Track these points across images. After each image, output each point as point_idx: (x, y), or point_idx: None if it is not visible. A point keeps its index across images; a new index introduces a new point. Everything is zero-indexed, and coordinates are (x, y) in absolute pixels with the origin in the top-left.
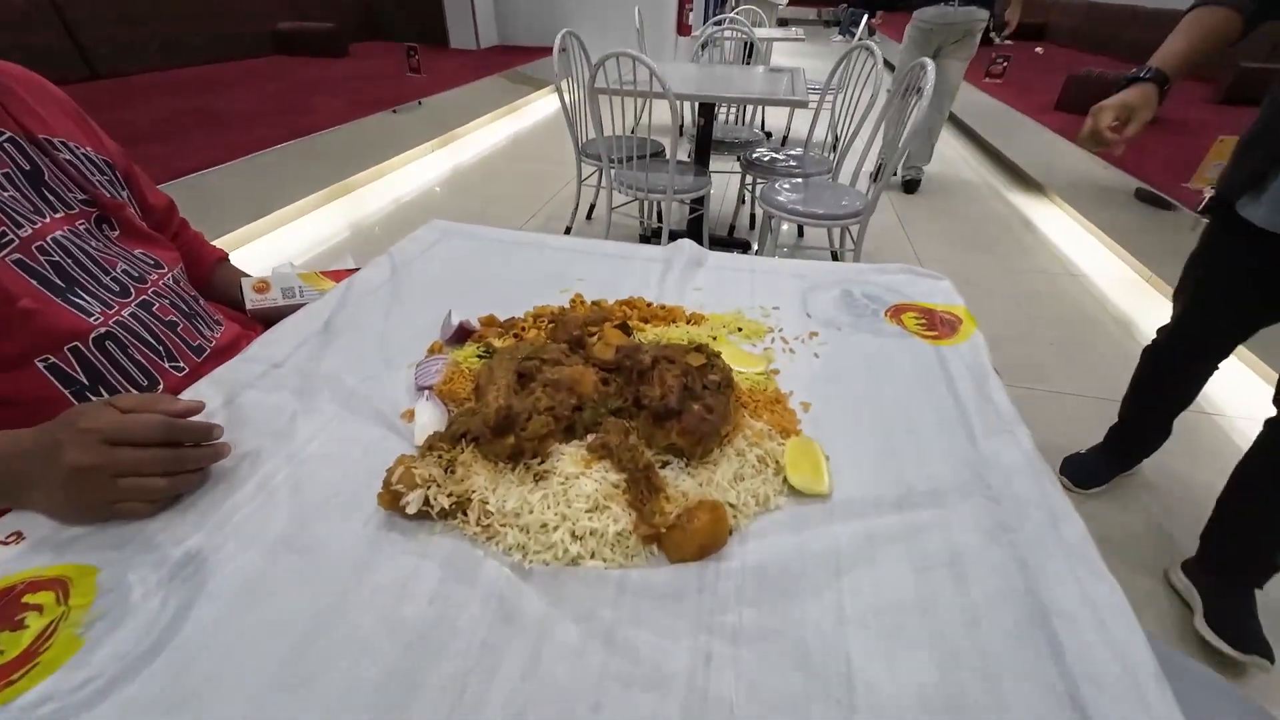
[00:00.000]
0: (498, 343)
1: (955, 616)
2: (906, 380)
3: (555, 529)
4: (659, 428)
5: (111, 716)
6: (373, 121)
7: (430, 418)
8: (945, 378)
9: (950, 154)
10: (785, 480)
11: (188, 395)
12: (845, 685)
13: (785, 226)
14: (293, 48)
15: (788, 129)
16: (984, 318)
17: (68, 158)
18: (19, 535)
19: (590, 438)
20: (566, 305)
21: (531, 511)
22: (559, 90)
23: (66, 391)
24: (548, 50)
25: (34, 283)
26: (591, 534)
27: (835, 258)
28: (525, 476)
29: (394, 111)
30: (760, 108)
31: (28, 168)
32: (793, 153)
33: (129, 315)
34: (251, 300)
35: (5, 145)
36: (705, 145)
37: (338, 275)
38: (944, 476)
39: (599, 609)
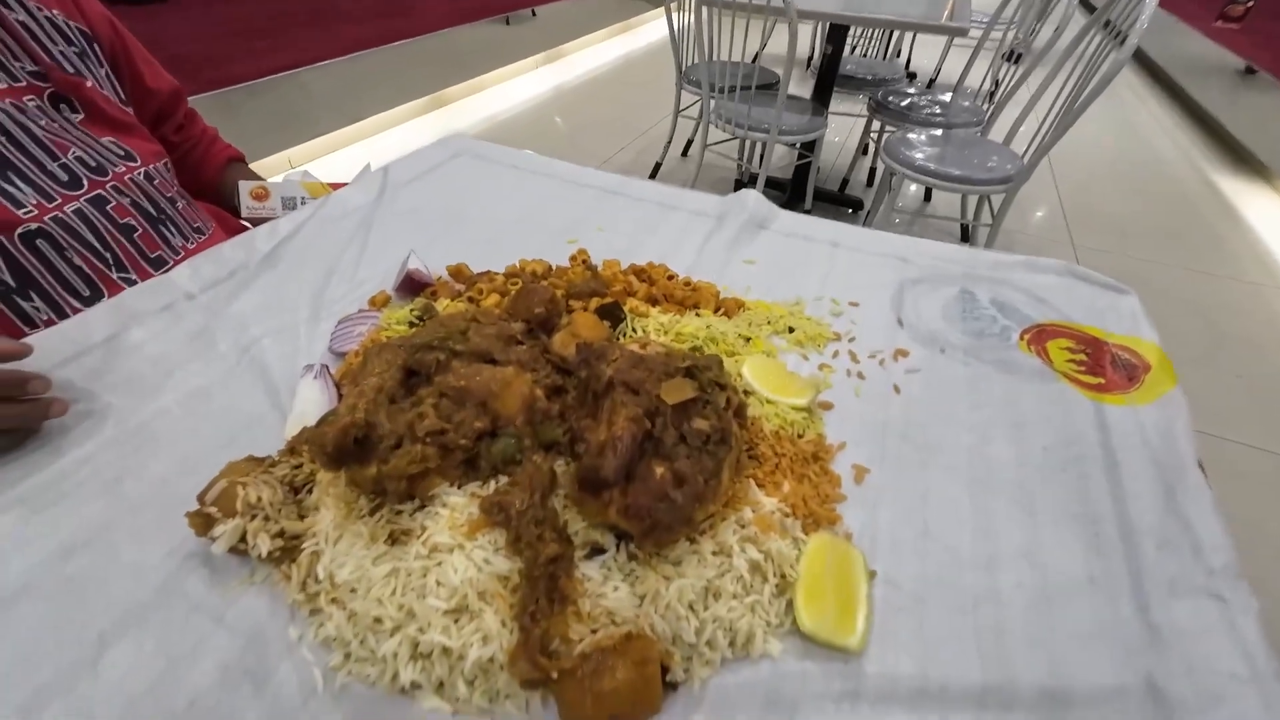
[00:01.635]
0: (443, 305)
1: None
2: (1040, 456)
3: (393, 632)
4: (592, 496)
5: None
6: (479, 30)
7: (311, 403)
8: (1106, 461)
9: (1143, 117)
10: (791, 609)
11: (72, 323)
12: None
13: (914, 188)
14: None
15: (937, 70)
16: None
17: (22, 19)
18: None
19: (496, 483)
20: (565, 263)
21: (369, 593)
22: (667, 8)
23: None
24: None
25: None
26: (444, 653)
27: (965, 234)
28: (380, 529)
29: (506, 22)
30: (907, 45)
31: None
32: (936, 97)
33: (72, 211)
34: (247, 207)
35: None
36: (829, 80)
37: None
38: (1078, 663)
39: None
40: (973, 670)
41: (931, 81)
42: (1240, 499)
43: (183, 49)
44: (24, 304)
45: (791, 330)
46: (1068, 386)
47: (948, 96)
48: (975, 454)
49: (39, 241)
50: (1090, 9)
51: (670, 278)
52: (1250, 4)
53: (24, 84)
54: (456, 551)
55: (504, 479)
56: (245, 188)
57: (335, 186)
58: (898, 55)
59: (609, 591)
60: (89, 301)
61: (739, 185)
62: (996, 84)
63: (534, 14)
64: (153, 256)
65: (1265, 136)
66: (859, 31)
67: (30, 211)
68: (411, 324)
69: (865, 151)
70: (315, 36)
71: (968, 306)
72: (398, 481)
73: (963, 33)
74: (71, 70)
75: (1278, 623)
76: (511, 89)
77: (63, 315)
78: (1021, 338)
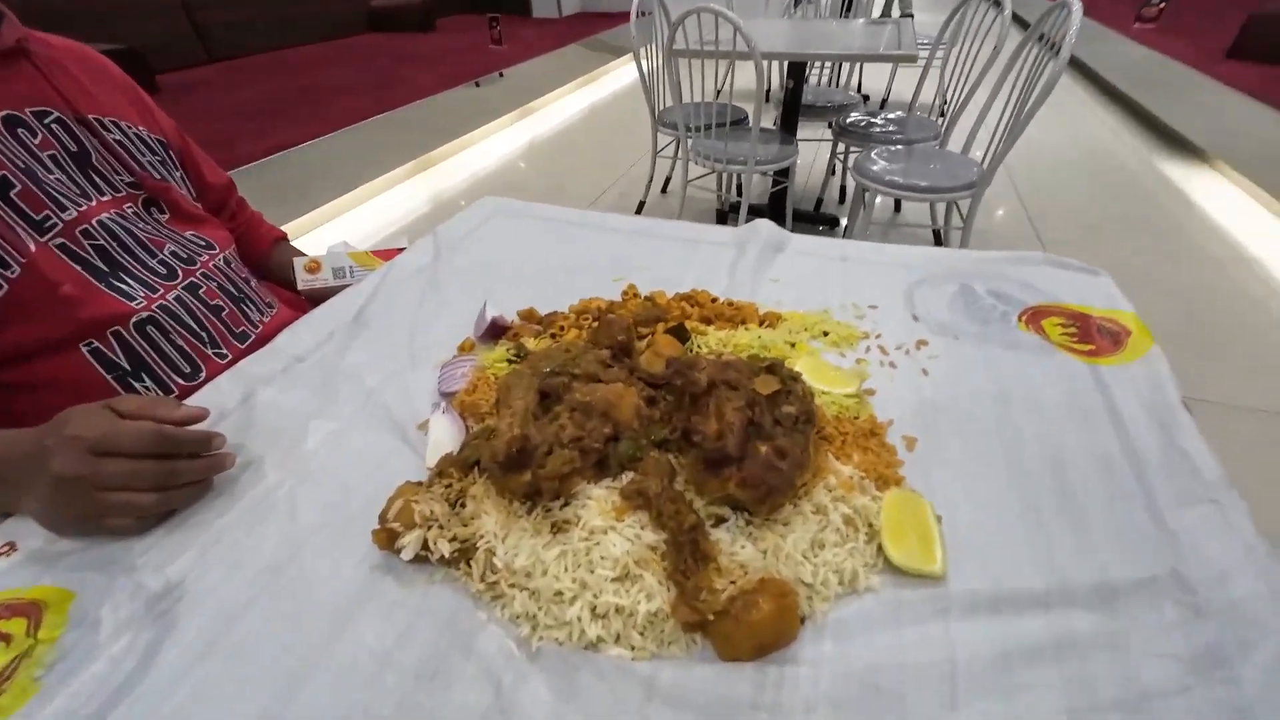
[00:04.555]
0: (531, 344)
1: None
2: (1054, 412)
3: (572, 600)
4: (712, 475)
5: None
6: (455, 95)
7: (445, 434)
8: (1110, 412)
9: (1087, 116)
10: (881, 551)
11: (207, 391)
12: None
13: (880, 201)
14: (385, 25)
15: (888, 90)
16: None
17: (117, 138)
18: (12, 546)
19: (626, 477)
20: (618, 298)
21: (545, 573)
22: (636, 56)
23: (109, 376)
24: (629, 16)
25: (77, 268)
26: (617, 612)
27: (938, 239)
28: (542, 523)
29: (476, 85)
30: (856, 69)
31: (74, 149)
32: (893, 116)
33: (174, 299)
34: (303, 281)
35: (52, 125)
36: (793, 111)
37: (389, 255)
38: (1115, 563)
39: (619, 717)
40: (1034, 575)
41: (884, 102)
42: (1239, 461)
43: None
44: (137, 385)
45: (826, 334)
46: (1066, 355)
47: (901, 114)
48: (1000, 418)
49: (149, 328)
50: (1024, 25)
51: (714, 300)
52: (1163, 4)
53: (124, 194)
54: (611, 532)
55: (629, 474)
56: (299, 263)
57: (377, 253)
58: (847, 80)
59: (738, 550)
60: (190, 378)
61: (720, 215)
62: (945, 100)
63: (501, 75)
64: (238, 332)
65: (1197, 123)
66: (812, 63)
67: (140, 303)
68: (509, 361)
69: (834, 172)
70: (306, 115)
71: (969, 299)
72: (552, 481)
73: (912, 59)
74: (158, 177)
75: None
76: (490, 146)
77: (168, 392)
78: (1020, 319)
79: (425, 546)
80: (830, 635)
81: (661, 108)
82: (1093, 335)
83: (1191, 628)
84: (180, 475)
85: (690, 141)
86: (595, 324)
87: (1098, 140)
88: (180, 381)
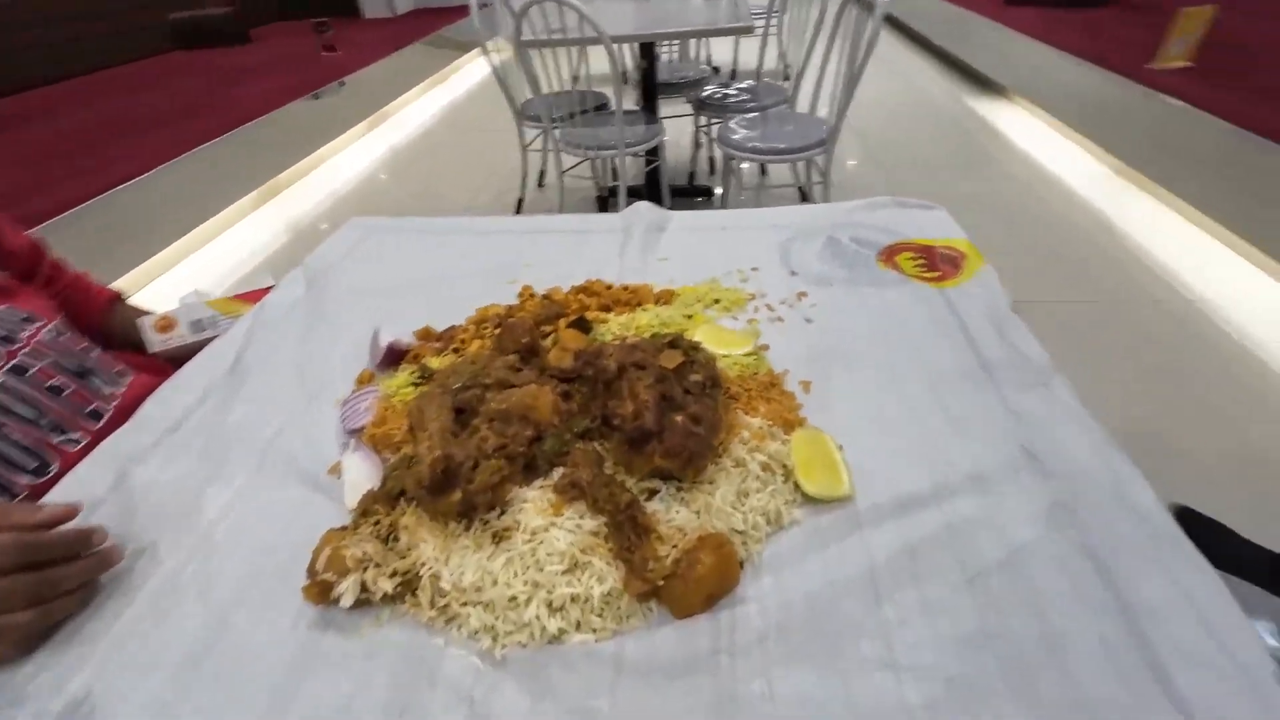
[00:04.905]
0: (435, 363)
1: (1030, 648)
2: (918, 336)
3: (527, 602)
4: (637, 453)
5: None
6: (293, 111)
7: (361, 473)
8: (960, 326)
9: (907, 67)
10: (797, 487)
11: (66, 484)
12: None
13: (747, 166)
14: (192, 40)
15: (735, 61)
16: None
17: None
18: None
19: (557, 473)
20: (515, 301)
21: (495, 583)
22: (485, 51)
23: None
24: (469, 9)
25: None
26: (573, 601)
27: (804, 195)
28: (482, 537)
29: (315, 97)
30: (703, 43)
31: None
32: (744, 85)
33: None
34: (156, 342)
35: None
36: (652, 90)
37: (255, 296)
38: (982, 452)
39: (593, 700)
40: (923, 476)
41: (734, 73)
42: (1057, 348)
43: None
44: None
45: (717, 301)
46: (919, 284)
47: (751, 83)
48: (876, 349)
49: None
50: None
51: (609, 288)
52: None
53: None
54: (552, 528)
55: (558, 470)
56: (147, 322)
57: (240, 296)
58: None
59: (674, 515)
60: (38, 473)
61: (601, 201)
62: (787, 64)
63: (342, 84)
64: (88, 411)
65: (995, 64)
66: (660, 42)
67: None
68: (415, 384)
69: (700, 145)
70: (119, 151)
71: (835, 249)
72: (485, 493)
73: (749, 30)
74: None
75: None
76: (344, 161)
77: (14, 494)
78: (879, 259)
79: (365, 589)
80: (767, 571)
81: (521, 100)
82: (937, 263)
83: (1043, 490)
84: (59, 584)
85: (557, 132)
86: (497, 331)
87: (920, 88)
88: (26, 481)
